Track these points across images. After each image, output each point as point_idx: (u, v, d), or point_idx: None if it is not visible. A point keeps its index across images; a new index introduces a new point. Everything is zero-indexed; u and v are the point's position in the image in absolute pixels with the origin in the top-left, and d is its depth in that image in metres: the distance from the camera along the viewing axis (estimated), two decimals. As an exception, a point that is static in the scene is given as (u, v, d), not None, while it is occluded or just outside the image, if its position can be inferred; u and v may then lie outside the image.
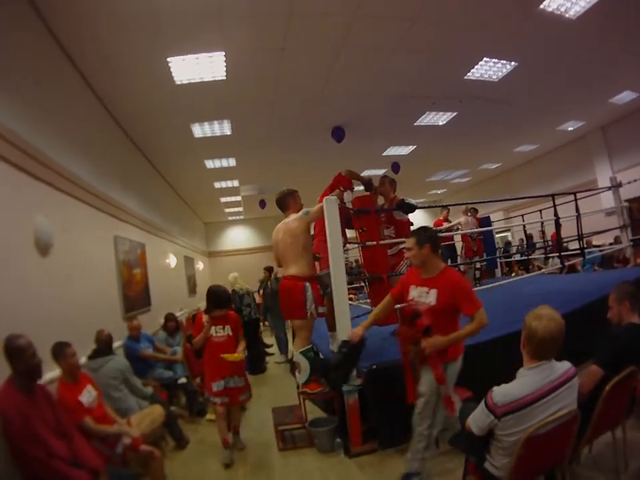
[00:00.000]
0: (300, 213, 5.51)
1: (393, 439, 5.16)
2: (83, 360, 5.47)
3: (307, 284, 5.34)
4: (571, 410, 2.88)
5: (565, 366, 2.97)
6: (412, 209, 6.47)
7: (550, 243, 12.96)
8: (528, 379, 2.87)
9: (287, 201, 5.73)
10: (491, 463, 2.99)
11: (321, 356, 6.25)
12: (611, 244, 12.63)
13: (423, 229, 4.25)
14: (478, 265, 12.23)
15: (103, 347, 5.82)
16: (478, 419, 2.96)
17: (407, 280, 4.38)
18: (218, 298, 5.81)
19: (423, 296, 4.02)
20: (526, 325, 2.97)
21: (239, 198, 18.86)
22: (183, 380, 7.36)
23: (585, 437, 3.27)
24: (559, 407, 2.83)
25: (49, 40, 6.21)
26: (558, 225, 8.48)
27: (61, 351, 4.44)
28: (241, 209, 21.47)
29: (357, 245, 6.96)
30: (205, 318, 5.64)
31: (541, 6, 7.06)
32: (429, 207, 21.58)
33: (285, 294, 5.52)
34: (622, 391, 3.41)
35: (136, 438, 4.62)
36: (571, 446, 3.06)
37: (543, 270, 12.31)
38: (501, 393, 2.86)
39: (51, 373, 4.54)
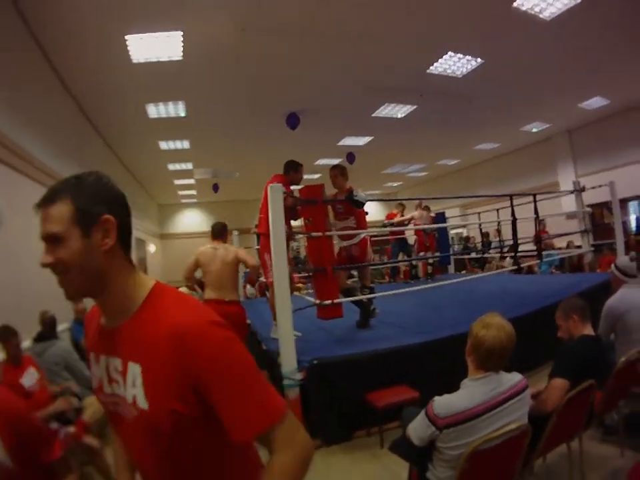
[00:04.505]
0: (242, 252, 6.50)
1: (336, 435, 5.08)
2: (28, 343, 5.39)
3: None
4: (520, 425, 2.71)
5: (514, 378, 2.81)
6: (360, 205, 6.43)
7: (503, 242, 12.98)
8: (473, 390, 2.70)
9: (224, 232, 6.60)
10: (433, 473, 2.81)
11: (264, 346, 6.24)
12: (577, 247, 12.72)
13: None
14: (430, 261, 12.22)
15: (47, 329, 5.66)
16: (419, 429, 2.78)
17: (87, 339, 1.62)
18: None
19: (115, 385, 1.40)
20: (472, 333, 2.81)
21: (192, 181, 18.75)
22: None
23: (537, 450, 3.15)
24: (507, 421, 2.67)
25: (8, 9, 6.03)
26: (514, 225, 8.50)
27: (7, 337, 4.38)
28: (194, 192, 21.40)
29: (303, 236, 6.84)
30: None
31: (515, 4, 7.03)
32: (379, 200, 21.71)
33: (235, 318, 5.89)
34: (578, 405, 3.31)
35: (79, 428, 4.53)
36: (520, 461, 2.90)
37: (499, 270, 12.40)
38: (443, 404, 2.68)
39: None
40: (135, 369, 1.32)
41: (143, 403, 1.30)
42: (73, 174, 1.36)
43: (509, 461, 2.87)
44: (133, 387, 1.32)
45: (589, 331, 3.71)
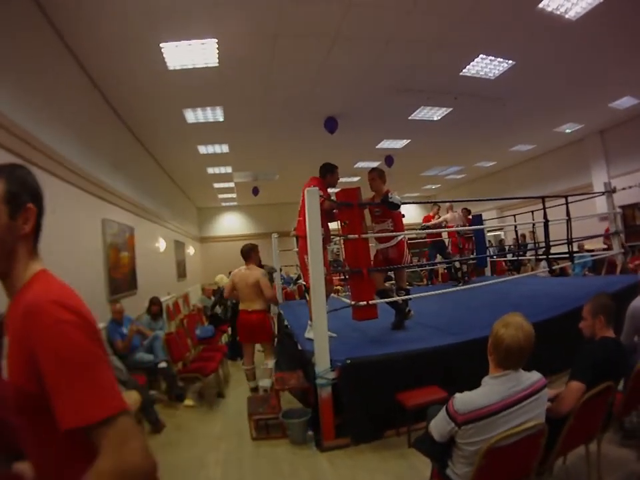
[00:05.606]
0: (261, 273, 7.29)
1: (365, 434, 5.14)
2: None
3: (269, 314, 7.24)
4: (537, 423, 2.76)
5: (533, 377, 2.86)
6: (395, 207, 6.45)
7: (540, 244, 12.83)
8: (492, 388, 2.77)
9: (250, 254, 7.45)
10: (452, 470, 2.89)
11: (299, 347, 6.31)
12: (604, 249, 12.55)
13: None
14: (460, 264, 11.91)
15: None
16: (439, 425, 2.87)
17: None
18: None
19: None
20: (493, 332, 2.85)
21: (232, 184, 18.84)
22: (163, 364, 7.29)
23: (555, 451, 3.17)
24: (524, 419, 2.72)
25: (42, 21, 6.19)
26: (547, 227, 8.41)
27: None
28: (234, 195, 21.54)
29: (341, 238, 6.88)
30: None
31: (540, 5, 6.99)
32: (415, 203, 21.63)
33: (257, 324, 7.09)
34: (597, 406, 3.31)
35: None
36: (537, 460, 2.94)
37: (532, 272, 12.28)
38: (463, 400, 2.75)
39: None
40: (5, 343, 1.42)
41: (5, 375, 1.40)
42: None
43: (525, 459, 2.91)
44: (3, 359, 1.43)
45: (610, 333, 3.67)
